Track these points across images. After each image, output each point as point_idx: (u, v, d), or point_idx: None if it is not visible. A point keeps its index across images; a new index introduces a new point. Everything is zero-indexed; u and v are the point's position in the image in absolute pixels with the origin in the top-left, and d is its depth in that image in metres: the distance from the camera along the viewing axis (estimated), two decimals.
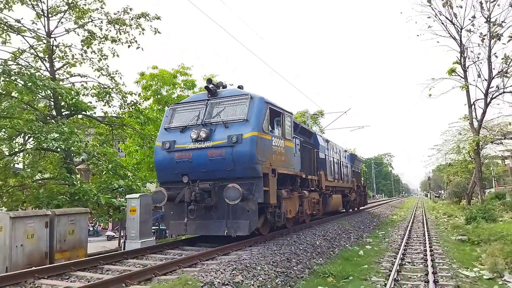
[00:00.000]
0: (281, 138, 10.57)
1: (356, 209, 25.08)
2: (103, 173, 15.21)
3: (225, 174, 9.08)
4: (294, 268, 8.19)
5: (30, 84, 12.35)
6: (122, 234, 16.78)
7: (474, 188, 26.98)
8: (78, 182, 13.69)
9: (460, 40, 21.27)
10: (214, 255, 8.32)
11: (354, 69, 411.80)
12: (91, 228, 29.84)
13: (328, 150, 16.95)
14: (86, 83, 16.22)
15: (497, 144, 25.60)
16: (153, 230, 14.22)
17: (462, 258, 10.37)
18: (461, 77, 21.67)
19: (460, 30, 21.16)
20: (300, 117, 39.67)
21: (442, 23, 21.21)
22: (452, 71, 21.34)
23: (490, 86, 20.76)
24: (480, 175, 22.85)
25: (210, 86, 9.94)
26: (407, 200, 71.25)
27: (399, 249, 11.33)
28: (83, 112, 15.65)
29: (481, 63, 21.02)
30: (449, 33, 21.30)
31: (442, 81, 22.30)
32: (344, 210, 21.81)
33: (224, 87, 10.49)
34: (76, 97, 14.40)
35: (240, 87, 10.68)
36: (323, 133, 38.13)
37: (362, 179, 28.82)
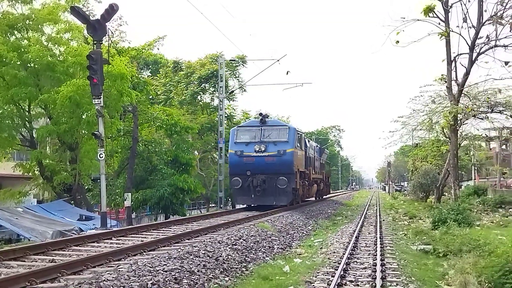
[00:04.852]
0: (300, 149, 19.34)
1: (320, 197, 29.41)
2: None
3: (273, 171, 17.32)
4: None
5: None
6: None
7: (447, 179, 22.10)
8: None
9: None
10: None
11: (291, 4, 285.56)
12: None
13: (309, 148, 22.65)
14: None
15: (482, 119, 20.00)
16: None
17: (423, 275, 9.01)
18: (441, 20, 16.68)
19: None
20: (211, 63, 30.73)
21: None
22: (429, 10, 16.14)
23: (479, 36, 16.19)
24: (455, 161, 18.11)
25: (262, 117, 18.72)
26: (357, 195, 57.96)
27: (339, 263, 9.36)
28: None
29: (469, 1, 15.87)
30: None
31: (414, 25, 16.59)
32: (313, 199, 26.76)
33: (267, 117, 19.40)
34: None
35: (265, 115, 19.51)
36: (244, 90, 32.67)
37: (327, 168, 32.96)
